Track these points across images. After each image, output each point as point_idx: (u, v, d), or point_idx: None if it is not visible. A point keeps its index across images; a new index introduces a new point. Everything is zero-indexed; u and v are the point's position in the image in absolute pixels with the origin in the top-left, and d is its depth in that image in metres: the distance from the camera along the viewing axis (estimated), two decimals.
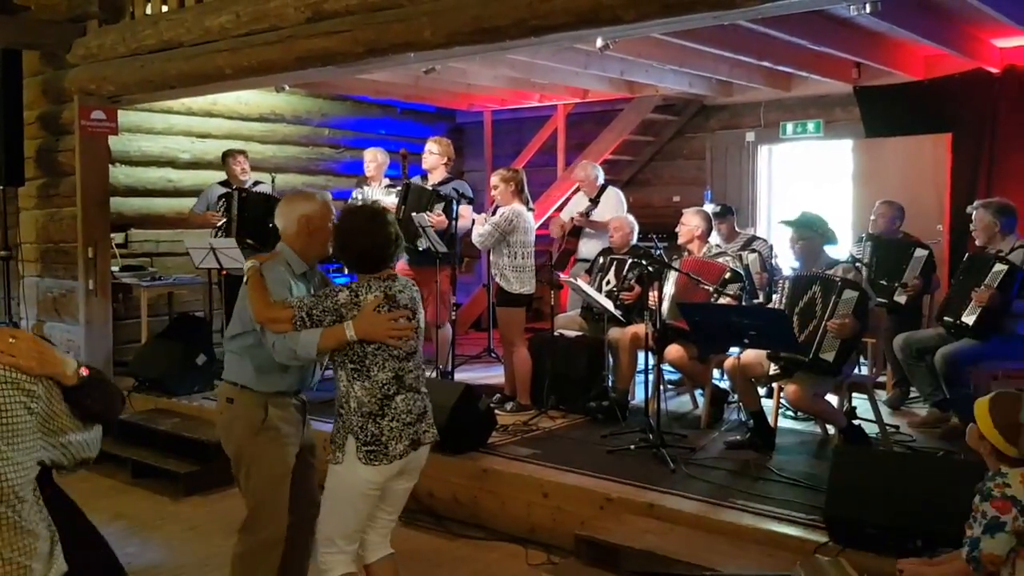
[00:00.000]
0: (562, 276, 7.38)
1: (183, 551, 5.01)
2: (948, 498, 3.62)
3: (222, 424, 3.72)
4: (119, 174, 8.36)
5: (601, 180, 7.93)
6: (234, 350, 3.64)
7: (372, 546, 3.50)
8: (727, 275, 6.14)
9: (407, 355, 3.37)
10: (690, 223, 6.55)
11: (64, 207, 7.93)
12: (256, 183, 8.02)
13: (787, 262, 7.08)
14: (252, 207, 7.60)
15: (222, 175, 8.20)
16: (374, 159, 7.87)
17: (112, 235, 8.00)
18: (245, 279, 3.51)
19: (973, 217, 5.93)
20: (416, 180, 7.16)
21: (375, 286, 3.33)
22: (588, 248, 7.77)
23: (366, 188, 7.84)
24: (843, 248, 7.09)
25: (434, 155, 7.15)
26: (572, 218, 7.88)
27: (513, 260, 6.32)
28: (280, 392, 3.62)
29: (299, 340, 3.32)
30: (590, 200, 7.84)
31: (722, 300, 6.00)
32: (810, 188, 9.63)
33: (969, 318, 5.62)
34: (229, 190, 7.80)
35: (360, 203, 7.75)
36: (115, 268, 8.03)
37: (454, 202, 6.79)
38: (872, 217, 6.91)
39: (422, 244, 6.73)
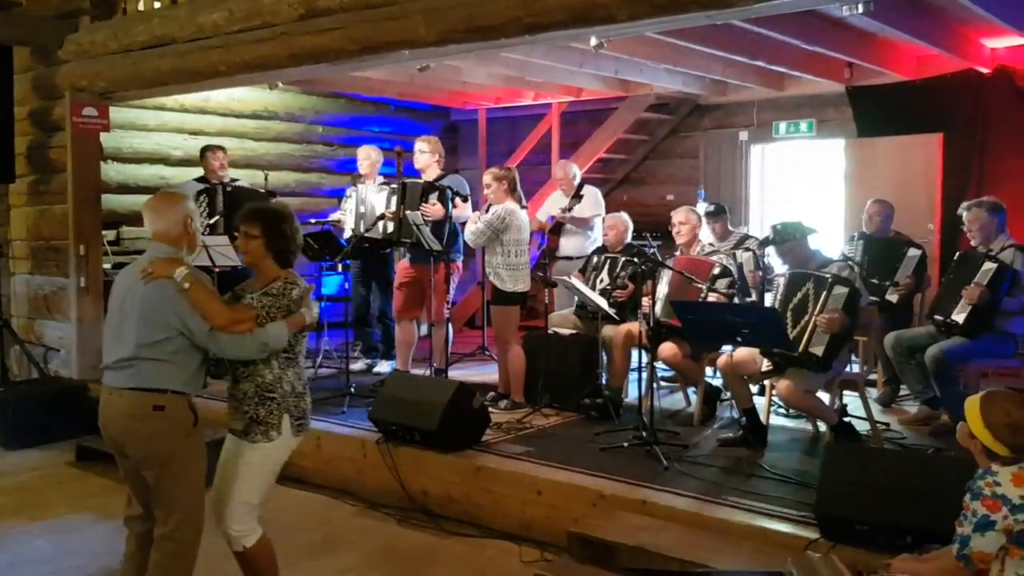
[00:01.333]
0: (554, 275, 7.41)
1: None
2: (938, 495, 3.65)
3: (150, 433, 3.55)
4: (111, 171, 8.35)
5: (578, 178, 8.01)
6: (160, 356, 3.53)
7: None
8: (716, 271, 6.18)
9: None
10: (691, 221, 6.62)
11: (55, 204, 7.90)
12: (233, 180, 8.00)
13: (779, 261, 7.11)
14: (241, 201, 7.57)
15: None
16: (367, 157, 7.88)
17: (104, 232, 7.98)
18: (185, 285, 3.51)
19: (966, 218, 5.95)
20: (411, 179, 7.19)
21: (297, 278, 3.73)
22: (569, 245, 7.80)
23: (360, 186, 7.85)
24: (835, 247, 7.14)
25: (425, 153, 7.18)
26: (553, 216, 7.92)
27: (507, 259, 6.33)
28: (195, 393, 3.71)
29: (269, 333, 3.55)
30: (571, 197, 7.88)
31: (711, 296, 6.03)
32: (802, 188, 9.65)
33: (959, 316, 5.65)
34: (208, 186, 7.77)
35: (348, 204, 7.78)
36: (107, 266, 7.99)
37: (448, 191, 6.82)
38: (865, 216, 6.94)
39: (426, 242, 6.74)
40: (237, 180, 8.05)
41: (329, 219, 8.12)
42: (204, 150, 8.05)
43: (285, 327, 3.57)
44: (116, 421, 3.59)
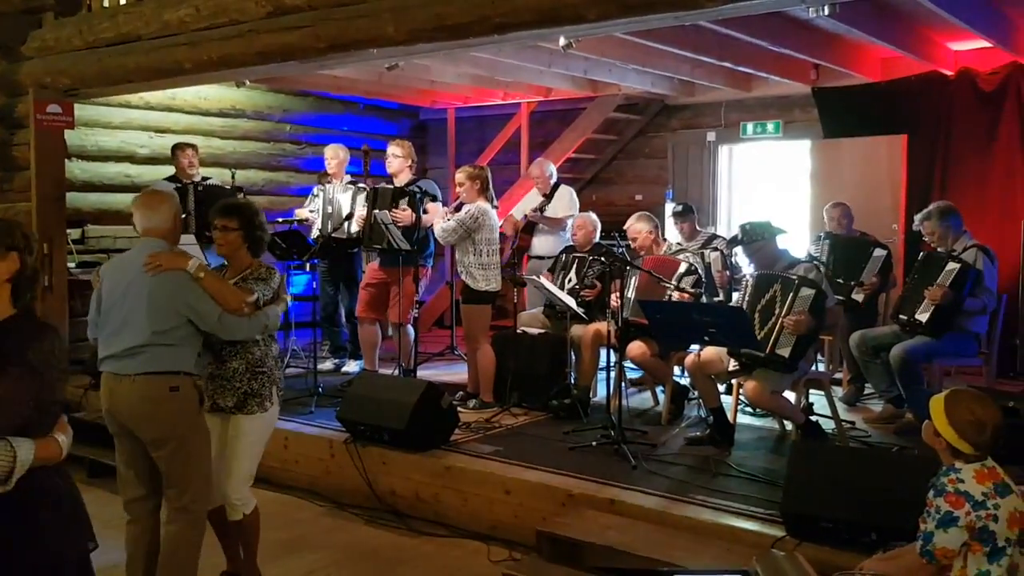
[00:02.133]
0: (525, 275, 7.42)
1: None
2: (902, 492, 3.69)
3: (168, 413, 3.79)
4: (75, 169, 8.24)
5: (555, 178, 8.01)
6: (172, 342, 3.79)
7: None
8: (681, 269, 6.23)
9: None
10: (641, 231, 6.64)
11: (18, 202, 7.77)
12: (204, 178, 7.93)
13: (747, 260, 7.16)
14: (212, 200, 7.51)
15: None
16: (335, 156, 7.83)
17: (68, 231, 7.86)
18: (200, 275, 3.85)
19: (923, 230, 6.06)
20: (382, 185, 7.16)
21: (271, 266, 4.20)
22: (542, 245, 7.82)
23: (327, 186, 7.81)
24: (801, 247, 7.20)
25: (398, 158, 7.14)
26: (525, 215, 7.94)
27: (479, 258, 6.33)
28: (199, 375, 3.99)
29: (268, 314, 4.02)
30: (544, 196, 7.91)
31: (676, 295, 6.06)
32: (769, 188, 9.72)
33: (923, 316, 5.72)
34: (179, 185, 7.70)
35: (315, 203, 7.73)
36: (72, 265, 7.90)
37: (418, 196, 6.79)
38: (826, 219, 7.04)
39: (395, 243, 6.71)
40: (209, 179, 7.97)
41: (296, 217, 8.07)
42: (174, 148, 7.97)
43: (279, 309, 4.08)
44: (130, 406, 3.79)
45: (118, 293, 3.87)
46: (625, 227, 6.80)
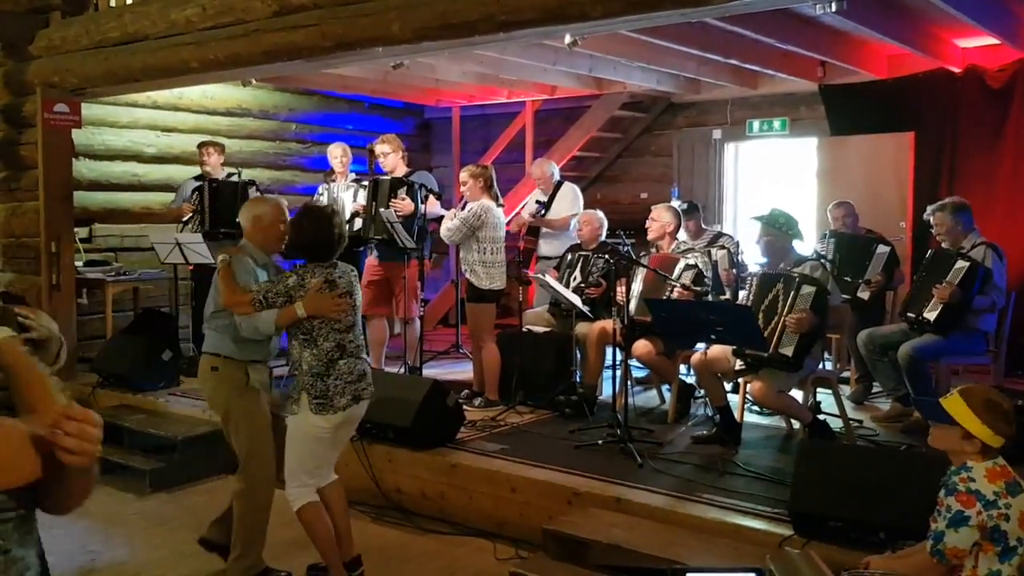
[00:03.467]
0: (530, 272, 7.40)
1: (149, 547, 4.96)
2: (911, 491, 3.68)
3: (209, 391, 4.40)
4: (83, 168, 8.26)
5: (557, 177, 7.99)
6: (214, 327, 4.32)
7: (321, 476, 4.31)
8: (680, 265, 6.23)
9: (347, 327, 4.16)
10: (662, 219, 6.64)
11: (26, 201, 7.80)
12: (230, 174, 7.96)
13: (753, 259, 7.15)
14: (222, 197, 7.56)
15: (187, 169, 8.13)
16: (344, 153, 7.86)
17: (76, 230, 7.89)
18: (219, 268, 4.22)
19: (933, 222, 6.02)
20: (380, 176, 7.18)
21: (318, 272, 4.10)
22: (549, 247, 7.79)
23: (331, 185, 7.82)
24: (807, 245, 7.18)
25: (389, 155, 7.18)
26: (527, 219, 7.90)
27: (483, 256, 6.33)
28: (254, 360, 4.32)
29: (260, 319, 4.12)
30: (541, 201, 7.84)
31: (677, 291, 6.06)
32: (775, 186, 9.70)
33: (931, 314, 5.70)
34: (202, 183, 7.74)
35: (321, 202, 7.74)
36: (79, 263, 7.92)
37: (417, 186, 6.81)
38: (830, 219, 7.02)
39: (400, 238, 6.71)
40: (233, 174, 7.97)
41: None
42: (200, 147, 8.05)
43: (275, 316, 4.09)
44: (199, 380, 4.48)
45: None
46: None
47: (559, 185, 7.93)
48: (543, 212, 7.78)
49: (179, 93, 8.80)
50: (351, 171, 7.93)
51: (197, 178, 7.94)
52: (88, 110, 7.91)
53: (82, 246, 8.16)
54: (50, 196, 7.51)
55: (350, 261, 7.78)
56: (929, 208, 6.10)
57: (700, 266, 6.28)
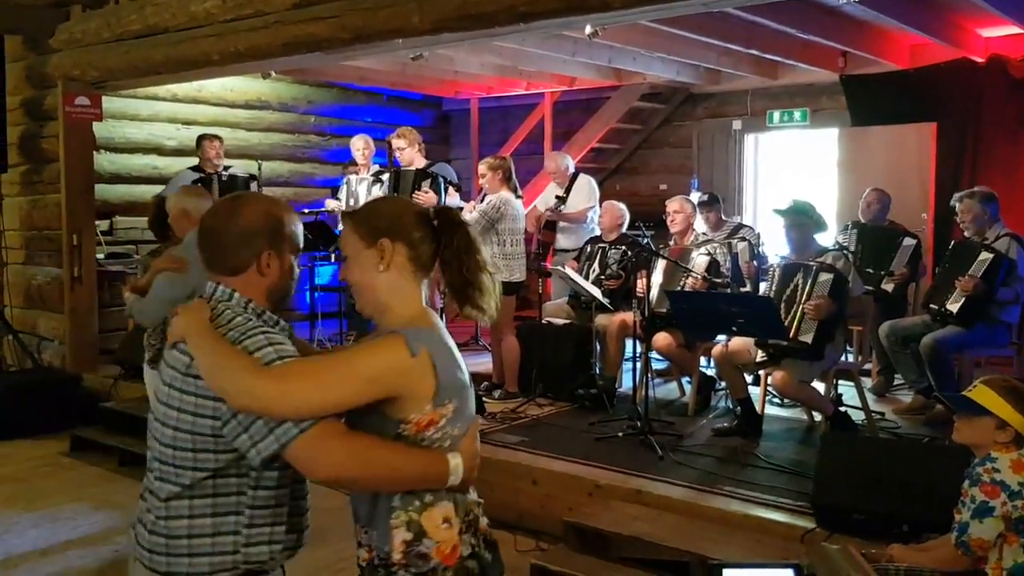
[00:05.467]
0: (547, 265, 7.40)
1: None
2: (933, 483, 3.66)
3: None
4: (104, 161, 8.30)
5: (572, 170, 7.96)
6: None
7: None
8: (695, 255, 6.24)
9: None
10: (686, 210, 6.66)
11: (48, 194, 7.87)
12: (227, 167, 7.97)
13: (774, 250, 7.12)
14: (233, 191, 7.56)
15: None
16: (367, 146, 7.87)
17: (97, 222, 7.94)
18: None
19: (959, 209, 5.95)
20: (403, 168, 7.18)
21: None
22: (566, 240, 7.77)
23: (351, 178, 7.84)
24: (828, 236, 7.13)
25: (404, 149, 7.17)
26: (545, 213, 7.88)
27: (503, 248, 6.32)
28: None
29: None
30: (558, 196, 7.82)
31: (690, 281, 6.04)
32: (796, 177, 9.65)
33: (954, 306, 5.65)
34: (204, 175, 7.73)
35: (351, 191, 7.75)
36: (100, 256, 7.97)
37: (440, 179, 6.81)
38: (862, 204, 6.93)
39: None
40: (230, 167, 8.00)
41: (327, 208, 8.13)
42: (200, 139, 7.99)
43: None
44: None
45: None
46: (667, 203, 6.77)
47: (575, 177, 7.90)
48: (560, 207, 7.76)
49: (199, 86, 8.82)
50: (374, 163, 7.93)
51: (195, 168, 7.88)
52: (109, 103, 7.95)
53: (103, 239, 8.20)
54: (71, 189, 7.56)
55: None
56: (957, 195, 6.04)
57: (718, 257, 6.26)
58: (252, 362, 1.87)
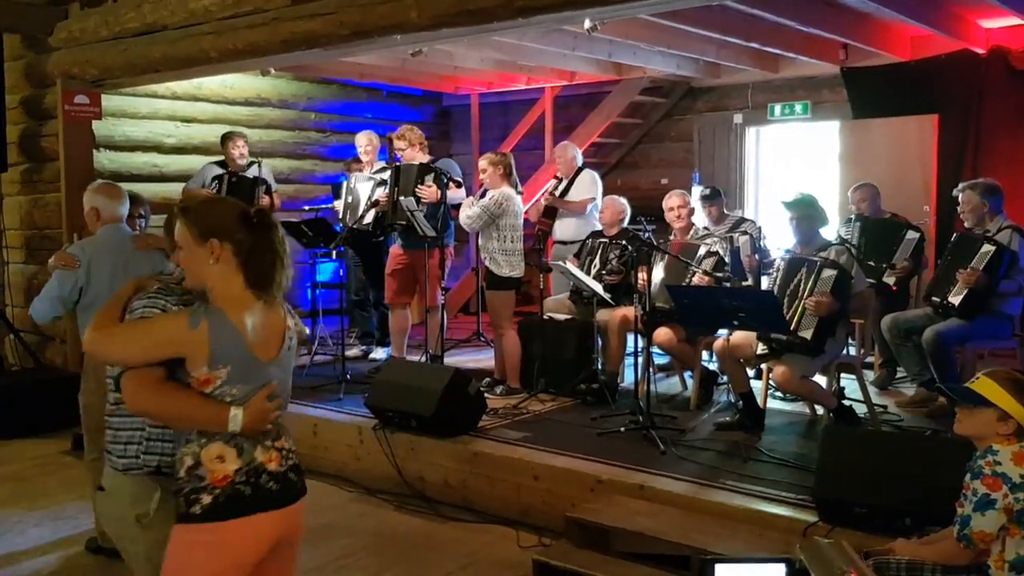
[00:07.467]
0: (547, 259, 7.38)
1: None
2: (936, 477, 3.65)
3: None
4: (104, 159, 8.29)
5: (579, 161, 7.94)
6: None
7: None
8: (701, 251, 6.21)
9: None
10: (688, 204, 6.65)
11: (48, 193, 7.86)
12: (251, 163, 7.97)
13: (775, 244, 7.10)
14: (239, 192, 7.56)
15: (207, 160, 8.14)
16: (370, 143, 7.85)
17: None
18: None
19: (960, 199, 5.94)
20: (404, 163, 7.16)
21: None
22: (564, 229, 7.74)
23: (352, 175, 7.82)
24: (830, 229, 7.12)
25: (406, 150, 7.14)
26: (543, 197, 7.88)
27: (503, 244, 6.31)
28: None
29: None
30: (556, 176, 7.82)
31: (697, 278, 6.02)
32: (798, 169, 9.63)
33: (955, 298, 5.64)
34: (224, 172, 7.75)
35: (351, 188, 7.72)
36: None
37: (442, 174, 6.80)
38: (852, 205, 6.95)
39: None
40: (254, 163, 7.94)
41: (332, 205, 8.13)
42: (224, 138, 8.04)
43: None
44: None
45: (106, 273, 4.25)
46: (665, 201, 6.76)
47: (580, 171, 7.88)
48: (559, 188, 7.75)
49: (198, 83, 8.81)
50: (378, 159, 7.92)
51: (219, 164, 7.93)
52: (108, 101, 7.93)
53: None
54: (71, 188, 7.53)
55: (371, 250, 7.90)
56: (960, 186, 6.04)
57: (718, 250, 6.24)
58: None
